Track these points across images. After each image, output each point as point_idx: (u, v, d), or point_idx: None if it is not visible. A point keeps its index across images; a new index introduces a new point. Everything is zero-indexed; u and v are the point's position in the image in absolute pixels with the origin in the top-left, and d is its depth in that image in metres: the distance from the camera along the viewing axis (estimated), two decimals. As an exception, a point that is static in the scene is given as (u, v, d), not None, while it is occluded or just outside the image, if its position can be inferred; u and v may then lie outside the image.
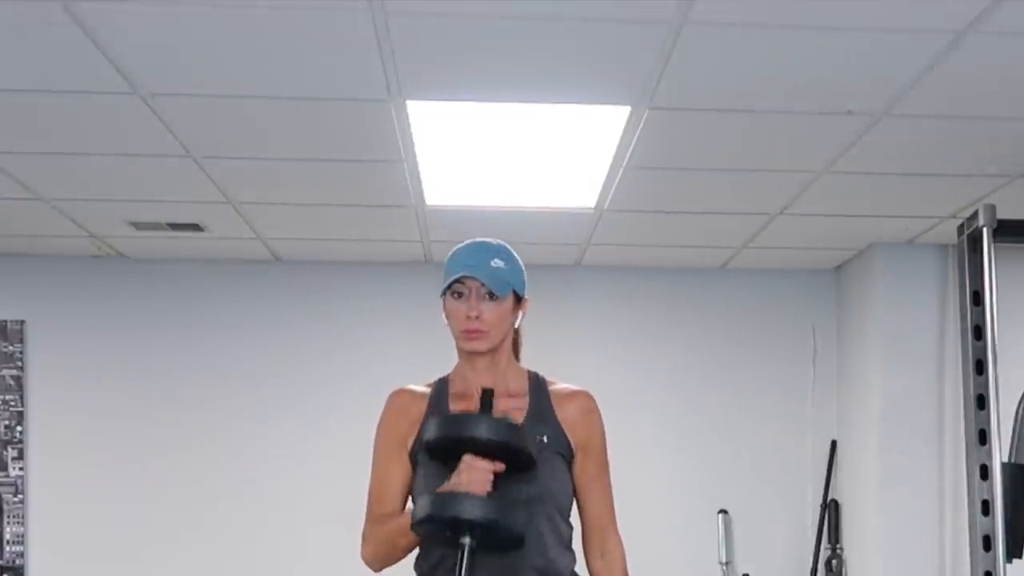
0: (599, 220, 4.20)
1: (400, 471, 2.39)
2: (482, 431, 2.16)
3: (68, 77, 2.76)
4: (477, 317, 2.30)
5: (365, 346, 4.93)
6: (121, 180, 3.70)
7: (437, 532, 2.22)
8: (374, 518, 2.40)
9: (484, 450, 2.17)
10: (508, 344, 2.41)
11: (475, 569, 2.18)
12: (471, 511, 2.13)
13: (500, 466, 2.18)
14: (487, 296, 2.30)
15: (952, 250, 4.38)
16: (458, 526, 2.16)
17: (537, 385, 2.42)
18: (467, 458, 2.17)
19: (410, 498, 2.39)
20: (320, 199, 3.95)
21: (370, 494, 2.43)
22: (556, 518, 2.35)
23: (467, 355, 2.38)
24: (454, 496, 2.15)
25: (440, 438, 2.22)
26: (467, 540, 2.16)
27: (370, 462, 2.44)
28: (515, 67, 2.71)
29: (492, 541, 2.19)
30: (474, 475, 2.16)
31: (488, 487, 2.16)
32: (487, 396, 2.21)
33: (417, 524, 2.20)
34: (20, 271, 4.82)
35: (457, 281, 2.31)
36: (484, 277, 2.29)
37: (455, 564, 2.18)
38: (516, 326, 2.41)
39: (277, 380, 4.93)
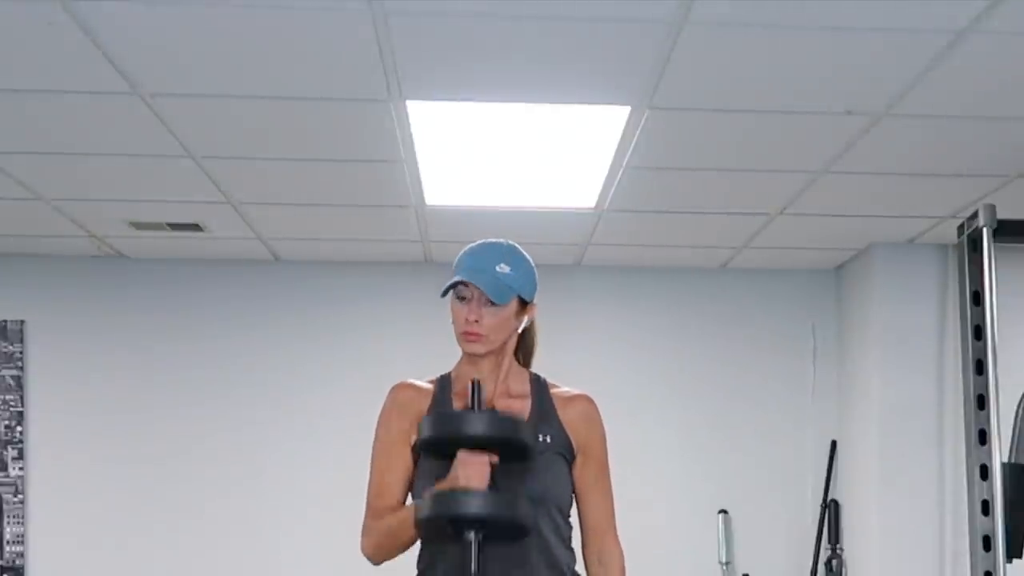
0: (599, 220, 4.19)
1: (401, 464, 2.38)
2: (473, 427, 2.18)
3: (68, 77, 2.76)
4: (476, 321, 2.30)
5: (365, 346, 4.92)
6: (121, 180, 3.70)
7: (441, 529, 2.22)
8: (374, 511, 2.39)
9: (478, 444, 2.18)
10: (511, 346, 2.41)
11: (486, 562, 2.17)
12: (473, 507, 2.14)
13: (494, 457, 2.20)
14: (489, 302, 2.29)
15: (952, 250, 4.38)
16: (461, 522, 2.16)
17: (539, 387, 2.43)
18: (462, 454, 2.18)
19: (410, 493, 2.39)
20: (320, 199, 3.95)
21: (370, 487, 2.41)
22: (556, 517, 2.36)
23: (469, 355, 2.39)
24: (455, 493, 2.16)
25: (432, 437, 2.23)
26: (472, 535, 2.15)
27: (370, 456, 2.43)
28: (515, 67, 2.71)
29: (496, 533, 2.19)
30: (471, 470, 2.17)
31: (487, 480, 2.17)
32: (476, 388, 2.21)
33: (420, 522, 2.21)
34: (20, 271, 4.82)
35: (461, 283, 2.30)
36: (484, 285, 2.28)
37: (455, 556, 2.20)
38: (520, 330, 2.40)
39: (277, 380, 4.92)
